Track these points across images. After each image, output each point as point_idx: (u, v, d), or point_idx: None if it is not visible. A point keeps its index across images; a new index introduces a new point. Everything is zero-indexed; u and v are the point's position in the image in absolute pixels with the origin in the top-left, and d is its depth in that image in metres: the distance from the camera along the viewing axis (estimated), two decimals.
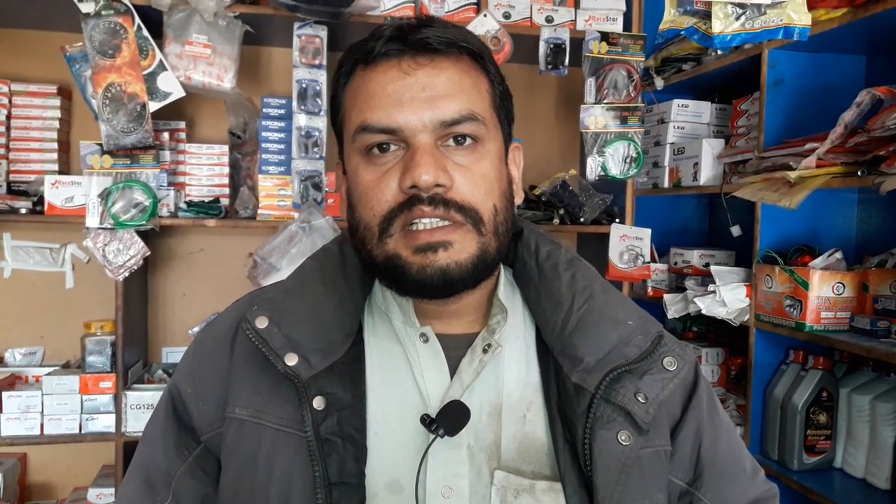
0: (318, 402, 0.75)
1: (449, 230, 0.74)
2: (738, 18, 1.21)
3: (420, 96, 0.74)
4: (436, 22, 0.78)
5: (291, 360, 0.76)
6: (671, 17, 1.26)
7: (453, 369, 0.81)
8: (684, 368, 0.80)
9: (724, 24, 1.22)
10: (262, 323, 0.78)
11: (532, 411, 0.81)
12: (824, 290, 1.70)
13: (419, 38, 0.75)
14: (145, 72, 1.82)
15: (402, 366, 0.82)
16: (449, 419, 0.76)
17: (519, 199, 0.86)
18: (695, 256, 2.23)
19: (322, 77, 1.93)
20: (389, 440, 0.79)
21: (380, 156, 0.76)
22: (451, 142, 0.75)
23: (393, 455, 0.78)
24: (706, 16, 1.24)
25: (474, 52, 0.79)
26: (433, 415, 0.77)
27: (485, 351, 0.80)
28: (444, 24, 0.78)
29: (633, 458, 0.76)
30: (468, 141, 0.76)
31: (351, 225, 0.80)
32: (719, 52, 2.06)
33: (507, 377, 0.82)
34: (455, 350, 0.82)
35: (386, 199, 0.75)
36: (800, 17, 1.22)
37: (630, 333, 0.80)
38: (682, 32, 1.27)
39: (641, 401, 0.77)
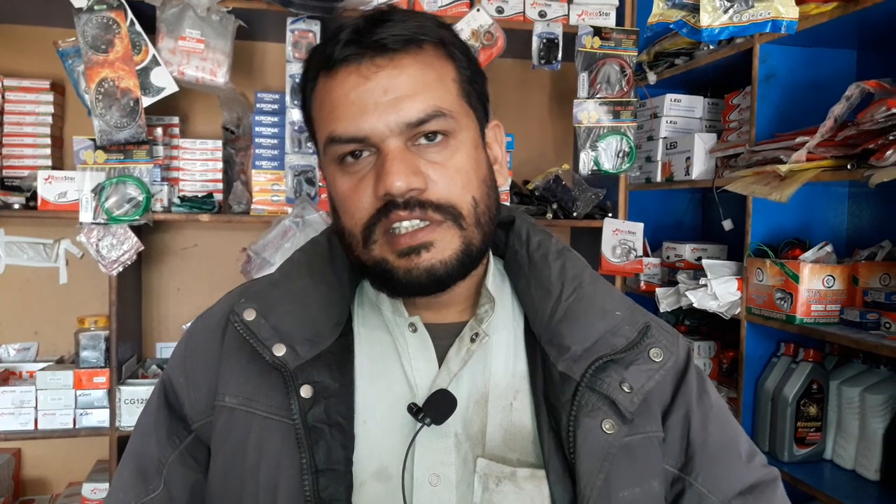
0: (305, 391, 0.76)
1: (429, 230, 0.74)
2: (726, 12, 1.22)
3: (383, 101, 0.73)
4: (394, 16, 0.76)
5: (279, 350, 0.77)
6: (660, 11, 1.27)
7: (441, 358, 0.81)
8: (670, 360, 0.80)
9: (712, 17, 1.23)
10: (250, 315, 0.79)
11: (519, 400, 0.82)
12: (815, 283, 1.72)
13: (375, 40, 0.73)
14: (138, 67, 1.82)
15: (390, 355, 0.82)
16: (435, 408, 0.76)
17: (502, 180, 0.84)
18: (687, 250, 2.24)
19: None
20: (377, 428, 0.79)
21: (353, 163, 0.76)
22: (422, 140, 0.74)
23: (381, 443, 0.79)
24: (695, 9, 1.25)
25: (435, 42, 0.77)
26: (420, 404, 0.77)
27: (472, 340, 0.81)
28: (403, 16, 0.76)
29: (618, 447, 0.76)
30: (439, 137, 0.75)
31: (338, 230, 0.81)
32: (710, 45, 2.07)
33: (495, 366, 0.83)
34: (443, 339, 0.82)
35: (364, 206, 0.75)
36: (787, 10, 1.23)
37: (618, 324, 0.81)
38: (671, 26, 1.28)
39: (626, 390, 0.77)
